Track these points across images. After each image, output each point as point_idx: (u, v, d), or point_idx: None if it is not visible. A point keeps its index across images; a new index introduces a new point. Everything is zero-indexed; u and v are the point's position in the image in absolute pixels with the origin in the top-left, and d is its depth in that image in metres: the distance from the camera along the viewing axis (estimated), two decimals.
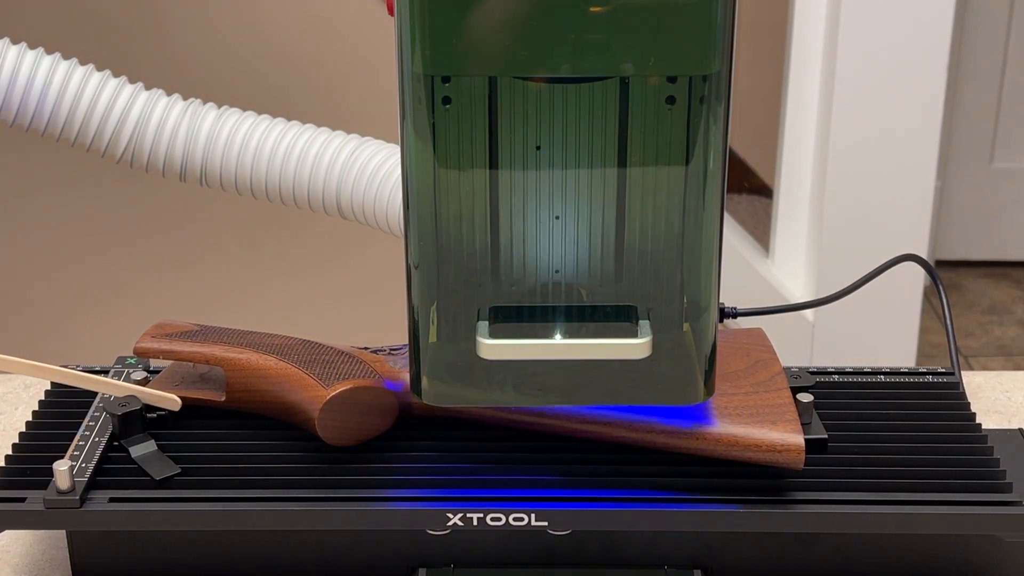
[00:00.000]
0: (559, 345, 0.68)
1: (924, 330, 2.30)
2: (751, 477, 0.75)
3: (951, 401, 0.84)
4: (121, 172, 1.01)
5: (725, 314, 0.86)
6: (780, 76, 1.88)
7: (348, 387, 0.76)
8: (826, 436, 0.78)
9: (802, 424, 0.76)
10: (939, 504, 0.74)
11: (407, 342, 0.78)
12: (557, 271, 0.70)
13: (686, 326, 0.70)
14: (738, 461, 0.74)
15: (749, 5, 2.01)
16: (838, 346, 1.94)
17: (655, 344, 0.68)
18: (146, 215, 1.91)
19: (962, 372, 0.95)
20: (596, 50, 0.63)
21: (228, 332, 0.81)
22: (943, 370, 0.88)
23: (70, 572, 0.79)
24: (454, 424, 0.79)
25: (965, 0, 2.58)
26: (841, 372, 0.88)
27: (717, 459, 0.75)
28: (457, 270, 0.69)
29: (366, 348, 0.80)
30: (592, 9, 0.62)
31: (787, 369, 0.81)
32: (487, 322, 0.69)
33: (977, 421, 0.82)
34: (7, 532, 0.83)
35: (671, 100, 0.65)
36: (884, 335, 1.92)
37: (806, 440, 0.75)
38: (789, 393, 0.78)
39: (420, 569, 0.78)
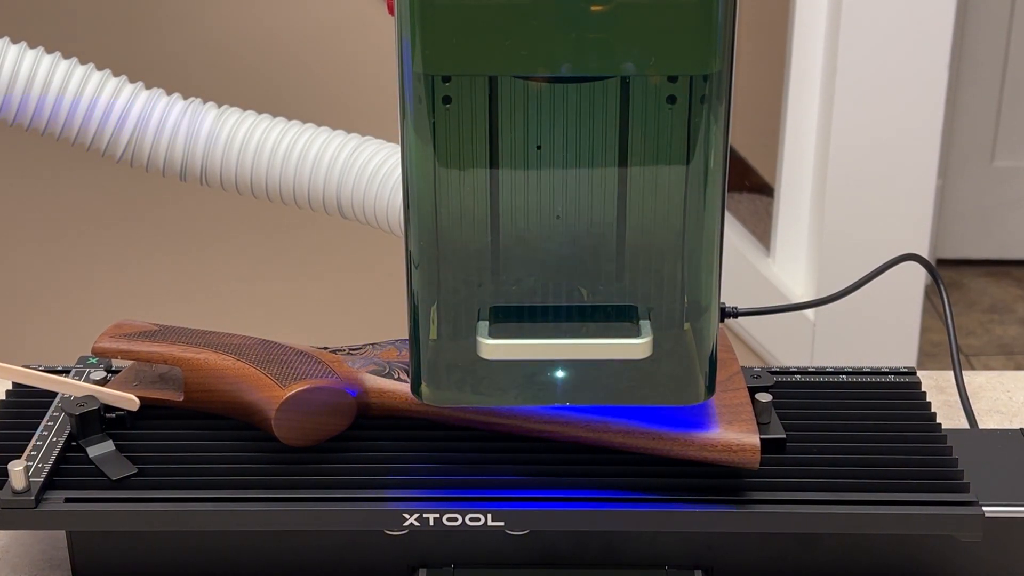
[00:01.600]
0: (559, 345, 0.68)
1: (925, 329, 2.30)
2: (707, 477, 0.75)
3: (912, 401, 0.84)
4: (117, 172, 1.01)
5: (726, 314, 0.86)
6: (781, 75, 1.88)
7: (304, 387, 0.75)
8: (784, 436, 0.78)
9: (761, 424, 0.76)
10: (895, 504, 0.74)
11: (370, 342, 0.79)
12: (557, 271, 0.69)
13: (687, 326, 0.69)
14: (695, 461, 0.74)
15: (749, 5, 2.01)
16: (839, 345, 1.94)
17: (655, 344, 0.68)
18: (146, 215, 1.91)
19: (963, 371, 0.96)
20: (597, 49, 0.63)
21: (187, 332, 0.81)
22: (905, 370, 0.87)
23: (70, 572, 0.79)
24: (413, 424, 0.79)
25: None
26: (804, 372, 0.87)
27: (674, 459, 0.75)
28: (457, 270, 0.68)
29: (325, 348, 0.80)
30: (593, 8, 0.62)
31: (747, 368, 0.82)
32: (487, 322, 0.69)
33: (937, 421, 0.82)
34: (7, 532, 0.83)
35: (672, 99, 0.65)
36: (885, 334, 1.92)
37: (763, 440, 0.75)
38: (746, 393, 0.78)
39: (420, 569, 0.78)
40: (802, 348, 1.95)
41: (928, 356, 2.47)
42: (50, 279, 1.96)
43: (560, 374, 0.70)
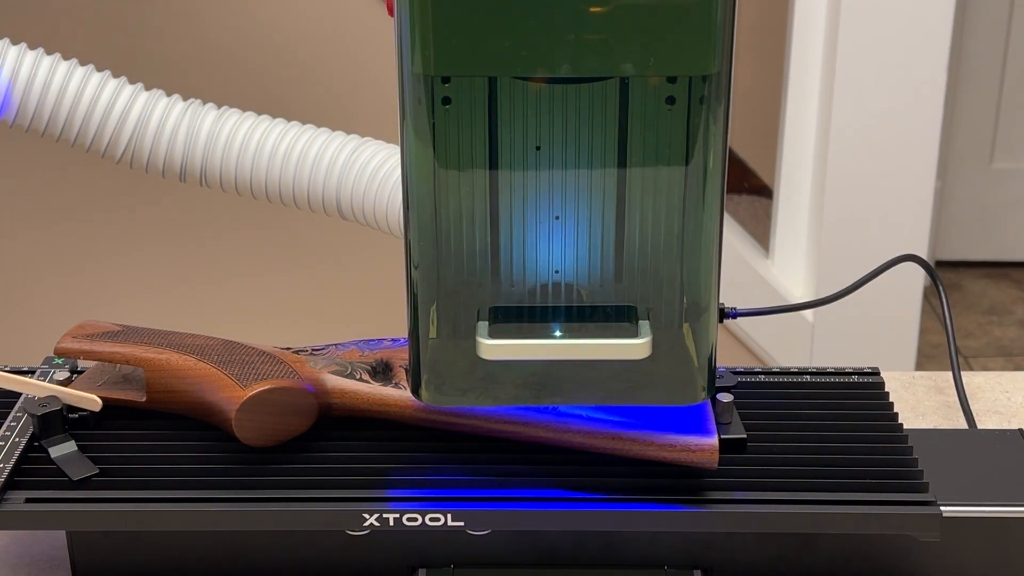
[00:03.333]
0: (559, 345, 0.69)
1: (924, 330, 2.30)
2: (666, 477, 0.75)
3: (875, 401, 0.84)
4: (118, 174, 1.02)
5: (725, 314, 0.86)
6: (780, 76, 1.88)
7: (265, 388, 0.75)
8: (745, 436, 0.78)
9: (722, 424, 0.76)
10: (853, 504, 0.74)
11: (328, 342, 0.79)
12: (557, 271, 0.70)
13: (686, 326, 0.70)
14: (654, 461, 0.75)
15: (749, 5, 2.01)
16: (838, 346, 1.94)
17: (655, 344, 0.68)
18: (145, 215, 1.91)
19: (962, 372, 0.96)
20: (596, 50, 0.63)
21: (150, 332, 0.81)
22: (869, 370, 0.87)
23: (70, 572, 0.79)
24: (374, 425, 0.79)
25: (965, 1, 2.58)
26: (768, 372, 0.87)
27: (634, 459, 0.75)
28: (457, 270, 0.69)
29: (288, 348, 0.80)
30: (592, 9, 0.62)
31: None
32: (487, 322, 0.69)
33: (899, 421, 0.82)
34: (6, 532, 0.83)
35: (671, 100, 0.65)
36: (884, 335, 1.93)
37: (724, 440, 0.75)
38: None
39: (420, 569, 0.78)
40: (801, 349, 1.95)
41: (927, 357, 2.47)
42: (22, 278, 1.96)
43: (560, 374, 0.70)
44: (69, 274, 1.95)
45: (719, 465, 0.74)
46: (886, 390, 0.85)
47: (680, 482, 0.75)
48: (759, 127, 2.08)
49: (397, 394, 0.77)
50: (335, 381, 0.78)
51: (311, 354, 0.80)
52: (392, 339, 0.81)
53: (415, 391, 0.71)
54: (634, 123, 0.66)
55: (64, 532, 0.79)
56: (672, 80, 0.65)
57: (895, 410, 0.83)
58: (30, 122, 0.89)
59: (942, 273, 2.79)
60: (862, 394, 0.85)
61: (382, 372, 0.78)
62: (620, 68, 0.63)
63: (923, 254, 1.87)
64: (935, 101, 1.79)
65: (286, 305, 1.98)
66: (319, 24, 1.80)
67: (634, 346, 0.68)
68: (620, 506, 0.73)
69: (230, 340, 0.80)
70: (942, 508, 0.73)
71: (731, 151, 1.52)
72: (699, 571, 0.77)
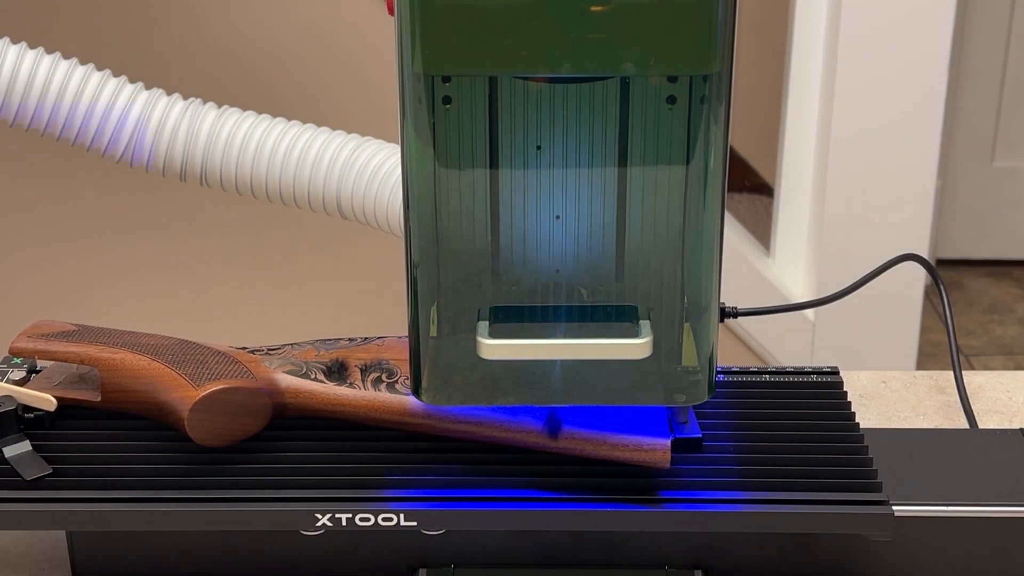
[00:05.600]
0: (559, 345, 0.68)
1: (925, 329, 2.30)
2: (619, 476, 0.75)
3: (833, 401, 0.84)
4: (116, 172, 1.01)
5: (726, 314, 0.86)
6: (780, 75, 1.88)
7: (218, 388, 0.75)
8: (700, 435, 0.78)
9: (678, 423, 0.76)
10: (806, 503, 0.73)
11: (284, 343, 0.79)
12: (558, 270, 0.69)
13: (687, 326, 0.69)
14: (608, 461, 0.75)
15: (749, 5, 2.01)
16: (839, 345, 1.94)
17: (655, 344, 0.68)
18: (145, 214, 1.91)
19: (963, 372, 0.96)
20: (596, 50, 0.63)
21: (105, 332, 0.80)
22: (828, 369, 0.87)
23: (70, 572, 0.79)
24: (328, 424, 0.79)
25: None
26: (727, 371, 0.87)
27: (588, 459, 0.75)
28: (457, 270, 0.69)
29: (244, 348, 0.80)
30: (592, 9, 0.62)
31: None
32: (487, 322, 0.69)
33: (856, 421, 0.82)
34: (6, 532, 0.83)
35: (672, 100, 0.65)
36: (885, 334, 1.93)
37: (679, 439, 0.75)
38: None
39: (420, 569, 0.78)
40: (802, 348, 1.95)
41: (928, 356, 2.47)
42: (49, 277, 1.96)
43: (560, 374, 0.70)
44: (75, 275, 1.95)
45: (673, 465, 0.74)
46: (844, 389, 0.85)
47: (633, 482, 0.75)
48: (760, 125, 2.08)
49: (351, 394, 0.77)
50: (289, 381, 0.78)
51: (267, 354, 0.80)
52: (349, 339, 0.81)
53: (415, 391, 0.71)
54: (635, 122, 0.66)
55: (64, 532, 0.79)
56: (673, 79, 0.65)
57: (852, 409, 0.83)
58: (30, 121, 0.89)
59: (943, 271, 2.79)
60: (820, 394, 0.85)
61: (337, 372, 0.78)
62: (621, 67, 0.63)
63: (924, 253, 1.87)
64: (936, 99, 1.79)
65: (286, 305, 1.98)
66: (319, 24, 1.80)
67: (635, 346, 0.67)
68: (570, 505, 0.73)
69: (186, 340, 0.80)
70: (944, 509, 0.73)
71: (732, 149, 1.52)
72: (699, 571, 0.77)
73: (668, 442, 0.74)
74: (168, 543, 0.78)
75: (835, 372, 0.87)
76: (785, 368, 0.87)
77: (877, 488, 0.74)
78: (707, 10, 0.62)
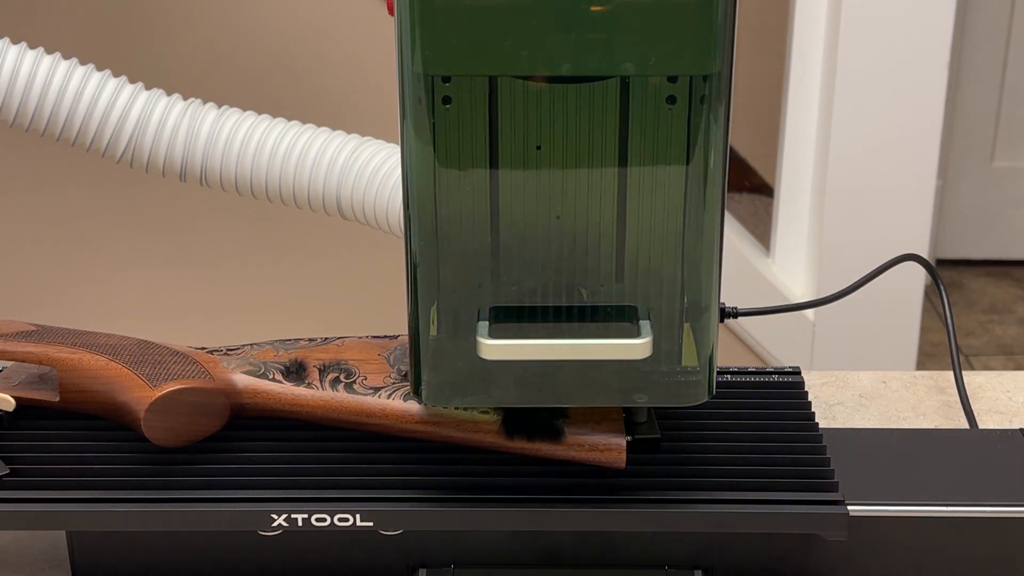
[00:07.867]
0: (559, 345, 0.68)
1: (925, 329, 2.30)
2: (576, 476, 0.75)
3: (793, 400, 0.84)
4: (117, 172, 1.01)
5: (726, 314, 0.86)
6: (780, 76, 1.88)
7: (175, 388, 0.75)
8: (659, 436, 0.77)
9: (637, 424, 0.76)
10: (761, 503, 0.74)
11: (245, 343, 0.79)
12: (557, 271, 0.69)
13: (687, 326, 0.69)
14: (565, 461, 0.75)
15: (749, 5, 2.01)
16: (839, 346, 1.94)
17: (655, 344, 0.68)
18: (146, 214, 1.91)
19: (963, 372, 0.96)
20: (596, 50, 0.63)
21: (65, 332, 0.80)
22: (790, 369, 0.87)
23: (70, 572, 0.79)
24: (286, 424, 0.79)
25: None
26: None
27: (544, 459, 0.75)
28: (457, 270, 0.68)
29: (203, 348, 0.80)
30: (592, 9, 0.62)
31: None
32: (487, 322, 0.69)
33: (815, 420, 0.82)
34: (6, 532, 0.83)
35: (672, 100, 0.65)
36: (885, 334, 1.93)
37: (637, 439, 0.75)
38: None
39: (420, 569, 0.78)
40: (802, 348, 1.95)
41: (928, 356, 2.47)
42: (49, 276, 1.96)
43: (560, 374, 0.70)
44: (76, 274, 1.95)
45: (630, 465, 0.74)
46: (805, 389, 0.85)
47: (589, 482, 0.75)
48: (760, 125, 2.08)
49: (309, 394, 0.77)
50: (247, 381, 0.77)
51: (225, 354, 0.80)
52: (308, 339, 0.81)
53: (415, 391, 0.71)
54: (635, 123, 0.66)
55: (64, 532, 0.79)
56: (673, 79, 0.65)
57: (812, 409, 0.83)
58: (30, 121, 0.89)
59: (943, 271, 2.79)
60: (781, 393, 0.85)
61: (295, 372, 0.78)
62: (621, 67, 0.63)
63: (924, 253, 1.87)
64: (936, 99, 1.79)
65: (286, 305, 1.98)
66: (319, 24, 1.80)
67: (635, 346, 0.67)
68: (532, 505, 0.73)
69: (144, 340, 0.80)
70: (944, 509, 0.73)
71: (732, 149, 1.52)
72: (699, 571, 0.77)
73: (624, 442, 0.74)
74: (168, 543, 0.78)
75: (796, 372, 0.87)
76: (747, 368, 0.87)
77: (834, 488, 0.74)
78: (707, 10, 0.62)
